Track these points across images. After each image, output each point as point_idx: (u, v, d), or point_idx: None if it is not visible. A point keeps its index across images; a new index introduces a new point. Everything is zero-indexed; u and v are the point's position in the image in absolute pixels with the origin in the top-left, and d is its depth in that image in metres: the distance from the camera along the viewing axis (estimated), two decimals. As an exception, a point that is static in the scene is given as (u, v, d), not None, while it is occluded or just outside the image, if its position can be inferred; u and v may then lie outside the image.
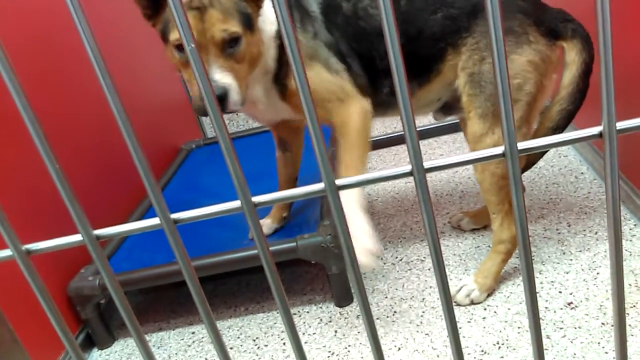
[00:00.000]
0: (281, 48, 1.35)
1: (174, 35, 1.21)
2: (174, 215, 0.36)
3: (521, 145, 0.33)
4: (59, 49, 1.89)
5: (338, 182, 0.34)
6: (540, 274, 1.55)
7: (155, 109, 2.56)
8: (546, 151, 1.71)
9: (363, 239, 1.29)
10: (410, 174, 0.34)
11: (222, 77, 1.17)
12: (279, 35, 1.34)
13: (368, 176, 0.35)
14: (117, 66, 2.26)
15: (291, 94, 1.38)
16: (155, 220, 0.36)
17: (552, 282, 1.52)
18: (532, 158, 1.57)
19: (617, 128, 0.32)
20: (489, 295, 1.52)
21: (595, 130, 0.32)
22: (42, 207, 1.64)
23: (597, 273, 1.50)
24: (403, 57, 1.24)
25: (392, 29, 0.31)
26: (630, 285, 1.42)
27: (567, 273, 1.54)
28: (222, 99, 1.17)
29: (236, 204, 0.36)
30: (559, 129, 1.46)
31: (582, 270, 1.53)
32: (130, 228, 0.38)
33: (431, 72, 1.43)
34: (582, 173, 1.99)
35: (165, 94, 2.72)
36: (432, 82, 1.45)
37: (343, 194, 1.51)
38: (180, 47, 1.21)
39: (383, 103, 1.47)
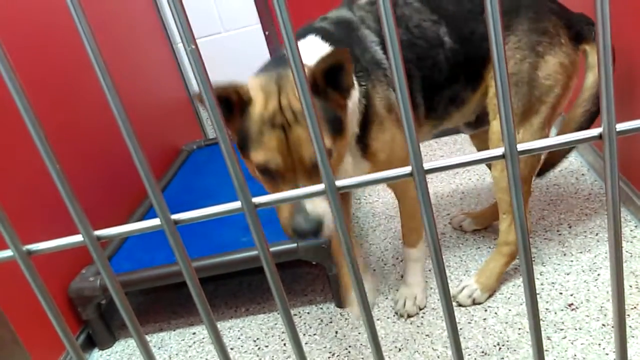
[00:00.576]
0: (366, 110, 1.26)
1: (257, 157, 1.05)
2: (175, 216, 0.36)
3: (521, 146, 0.33)
4: (59, 50, 1.90)
5: (338, 183, 0.34)
6: (540, 275, 1.55)
7: (156, 110, 2.56)
8: (570, 150, 1.70)
9: (415, 289, 1.54)
10: (410, 175, 0.34)
11: (314, 206, 1.04)
12: (364, 95, 1.24)
13: (369, 177, 0.35)
14: (118, 67, 2.26)
15: (372, 152, 1.31)
16: (155, 221, 0.36)
17: (552, 283, 1.52)
18: (554, 159, 1.57)
19: (617, 130, 0.32)
20: (490, 296, 1.52)
21: (595, 131, 0.32)
22: (43, 208, 1.64)
23: (598, 274, 1.50)
24: (457, 60, 1.30)
25: (392, 30, 0.31)
26: (631, 286, 1.42)
27: (567, 274, 1.53)
28: (317, 230, 1.05)
29: (236, 204, 0.36)
30: (582, 129, 1.47)
31: (583, 271, 1.53)
32: (130, 229, 0.38)
33: (481, 76, 1.40)
34: (582, 174, 1.99)
35: (166, 95, 2.73)
36: (480, 88, 1.43)
37: (413, 253, 1.53)
38: (266, 171, 1.06)
39: (438, 116, 1.43)
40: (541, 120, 1.37)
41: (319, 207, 1.03)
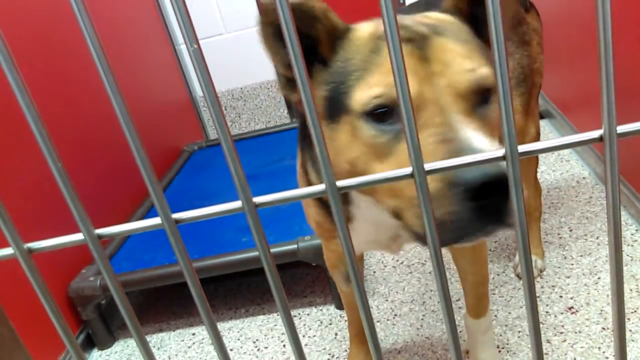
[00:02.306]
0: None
1: (370, 92, 0.65)
2: (175, 215, 0.36)
3: (522, 148, 0.33)
4: (62, 49, 1.90)
5: (339, 183, 0.35)
6: (541, 278, 1.55)
7: (158, 111, 2.56)
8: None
9: None
10: (411, 175, 0.34)
11: (487, 140, 0.61)
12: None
13: (369, 177, 0.35)
14: (119, 67, 2.27)
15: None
16: (156, 220, 0.36)
17: (552, 286, 1.51)
18: None
19: (618, 132, 0.32)
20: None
21: (595, 133, 0.32)
22: (44, 207, 1.64)
23: (598, 278, 1.50)
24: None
25: (393, 31, 0.31)
26: (631, 290, 1.42)
27: (568, 277, 1.53)
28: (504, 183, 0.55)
29: (237, 204, 0.36)
30: None
31: (583, 274, 1.53)
32: (131, 227, 0.38)
33: None
34: (583, 178, 1.99)
35: (167, 96, 2.73)
36: None
37: (482, 323, 1.20)
38: (377, 114, 0.65)
39: None
40: (536, 100, 1.40)
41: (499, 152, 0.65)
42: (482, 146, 0.58)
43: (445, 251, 1.84)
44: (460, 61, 0.65)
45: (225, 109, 3.01)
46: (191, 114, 2.96)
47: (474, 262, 1.15)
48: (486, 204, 0.55)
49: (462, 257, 1.16)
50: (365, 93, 0.65)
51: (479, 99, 0.66)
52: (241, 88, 2.94)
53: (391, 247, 0.98)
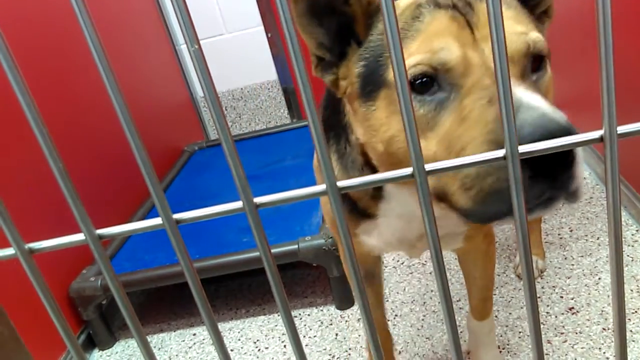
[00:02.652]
0: None
1: (412, 60, 0.61)
2: (176, 216, 0.36)
3: (522, 148, 0.33)
4: (63, 49, 1.90)
5: (339, 183, 0.35)
6: (541, 278, 1.55)
7: (158, 111, 2.56)
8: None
9: None
10: (411, 176, 0.34)
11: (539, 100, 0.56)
12: None
13: (369, 178, 0.35)
14: (120, 67, 2.27)
15: None
16: (157, 220, 0.36)
17: (553, 287, 1.51)
18: None
19: (618, 132, 0.32)
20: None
21: (596, 134, 0.32)
22: (45, 207, 1.64)
23: (599, 278, 1.50)
24: None
25: (394, 32, 0.31)
26: (632, 290, 1.42)
27: (568, 278, 1.53)
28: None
29: (238, 204, 0.36)
30: None
31: (584, 275, 1.53)
32: (132, 228, 0.38)
33: None
34: (584, 178, 1.98)
35: (168, 96, 2.73)
36: None
37: (485, 325, 1.15)
38: (420, 86, 0.61)
39: None
40: None
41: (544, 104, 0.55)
42: (537, 103, 0.52)
43: (445, 252, 1.84)
44: (510, 24, 0.60)
45: (226, 109, 3.01)
46: (192, 115, 2.96)
47: (482, 265, 1.10)
48: (546, 169, 0.50)
49: (470, 260, 1.11)
50: (412, 60, 0.60)
51: (531, 65, 0.62)
52: (242, 88, 2.94)
53: (416, 246, 0.94)
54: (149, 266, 1.67)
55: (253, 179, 1.98)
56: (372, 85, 0.66)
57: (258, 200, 0.35)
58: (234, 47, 2.83)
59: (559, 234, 1.72)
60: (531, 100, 0.53)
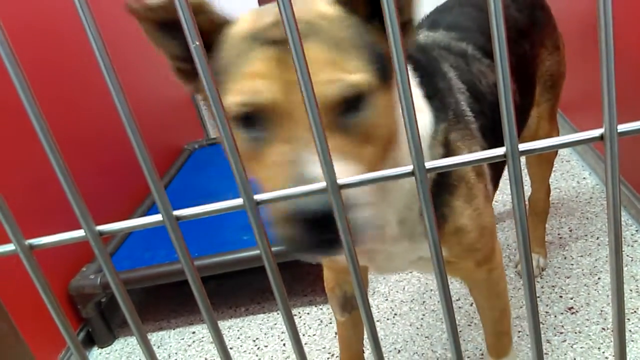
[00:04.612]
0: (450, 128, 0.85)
1: (231, 98, 0.62)
2: (176, 212, 0.36)
3: (522, 146, 0.33)
4: (65, 46, 1.90)
5: (340, 181, 0.35)
6: (541, 278, 1.55)
7: (158, 109, 2.56)
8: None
9: None
10: (411, 173, 0.34)
11: (340, 167, 0.55)
12: (441, 132, 0.83)
13: (369, 176, 0.35)
14: (121, 65, 2.26)
15: (452, 231, 0.86)
16: (157, 217, 0.36)
17: (553, 286, 1.51)
18: None
19: (619, 131, 0.32)
20: None
21: (596, 132, 0.32)
22: (45, 204, 1.65)
23: (598, 278, 1.50)
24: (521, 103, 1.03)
25: (396, 35, 0.31)
26: (631, 290, 1.42)
27: (568, 278, 1.53)
28: (329, 220, 0.46)
29: (238, 201, 0.36)
30: None
31: (583, 275, 1.53)
32: (132, 224, 0.38)
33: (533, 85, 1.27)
34: (584, 178, 1.98)
35: (168, 94, 2.73)
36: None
37: None
38: (245, 120, 0.63)
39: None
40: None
41: (345, 170, 0.59)
42: (318, 174, 0.48)
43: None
44: (324, 71, 0.59)
45: (226, 108, 3.01)
46: (192, 113, 2.96)
47: (489, 295, 1.04)
48: (312, 230, 0.54)
49: (474, 289, 1.06)
50: (231, 99, 0.62)
51: (346, 108, 0.61)
52: (242, 87, 2.94)
53: (379, 259, 0.92)
54: (149, 264, 1.67)
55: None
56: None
57: (258, 197, 0.36)
58: (235, 45, 2.83)
59: (558, 234, 1.72)
60: (316, 173, 0.54)
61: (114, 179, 2.05)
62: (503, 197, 1.94)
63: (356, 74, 0.61)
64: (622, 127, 0.32)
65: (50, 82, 1.81)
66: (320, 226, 0.53)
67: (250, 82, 0.61)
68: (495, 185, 1.04)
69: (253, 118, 0.62)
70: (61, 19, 1.90)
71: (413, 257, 0.91)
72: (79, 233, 0.37)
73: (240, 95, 0.61)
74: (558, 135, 1.45)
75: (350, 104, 0.61)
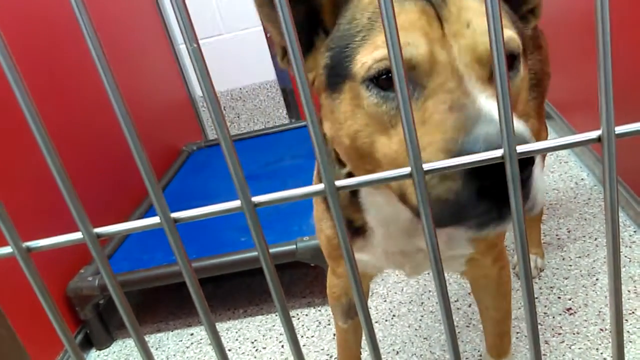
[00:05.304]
0: None
1: (368, 56, 0.59)
2: (174, 214, 0.36)
3: (520, 148, 0.33)
4: (61, 48, 1.90)
5: (338, 182, 0.35)
6: (539, 279, 1.55)
7: (157, 110, 2.56)
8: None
9: None
10: (409, 175, 0.34)
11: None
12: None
13: (368, 177, 0.35)
14: (119, 67, 2.26)
15: None
16: (155, 219, 0.36)
17: (551, 287, 1.52)
18: None
19: (616, 132, 0.32)
20: None
21: (593, 134, 0.33)
22: (43, 206, 1.64)
23: (596, 279, 1.50)
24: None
25: (393, 34, 0.31)
26: (629, 291, 1.42)
27: (566, 279, 1.53)
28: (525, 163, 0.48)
29: (236, 203, 0.36)
30: None
31: (582, 276, 1.53)
32: (130, 227, 0.38)
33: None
34: (582, 179, 1.99)
35: (166, 96, 2.73)
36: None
37: None
38: (385, 81, 0.58)
39: None
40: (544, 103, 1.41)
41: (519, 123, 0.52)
42: (495, 109, 0.48)
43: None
44: (482, 21, 0.55)
45: (225, 109, 3.01)
46: (190, 114, 2.95)
47: (495, 294, 1.02)
48: (491, 187, 0.48)
49: (480, 287, 1.04)
50: (369, 56, 0.57)
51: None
52: (240, 88, 2.94)
53: (416, 258, 0.88)
54: (147, 266, 1.67)
55: (251, 178, 1.98)
56: (337, 77, 0.63)
57: (256, 199, 0.35)
58: (233, 47, 2.83)
59: (556, 235, 1.72)
60: (491, 113, 0.50)
61: (112, 181, 2.05)
62: (501, 198, 1.94)
63: (511, 30, 0.60)
64: (619, 129, 0.32)
65: (47, 84, 1.80)
66: (498, 193, 0.47)
67: (403, 35, 0.53)
68: None
69: (389, 78, 0.56)
70: (59, 20, 1.89)
71: (446, 254, 0.88)
72: (77, 235, 0.37)
73: (382, 53, 0.57)
74: (547, 132, 1.44)
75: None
